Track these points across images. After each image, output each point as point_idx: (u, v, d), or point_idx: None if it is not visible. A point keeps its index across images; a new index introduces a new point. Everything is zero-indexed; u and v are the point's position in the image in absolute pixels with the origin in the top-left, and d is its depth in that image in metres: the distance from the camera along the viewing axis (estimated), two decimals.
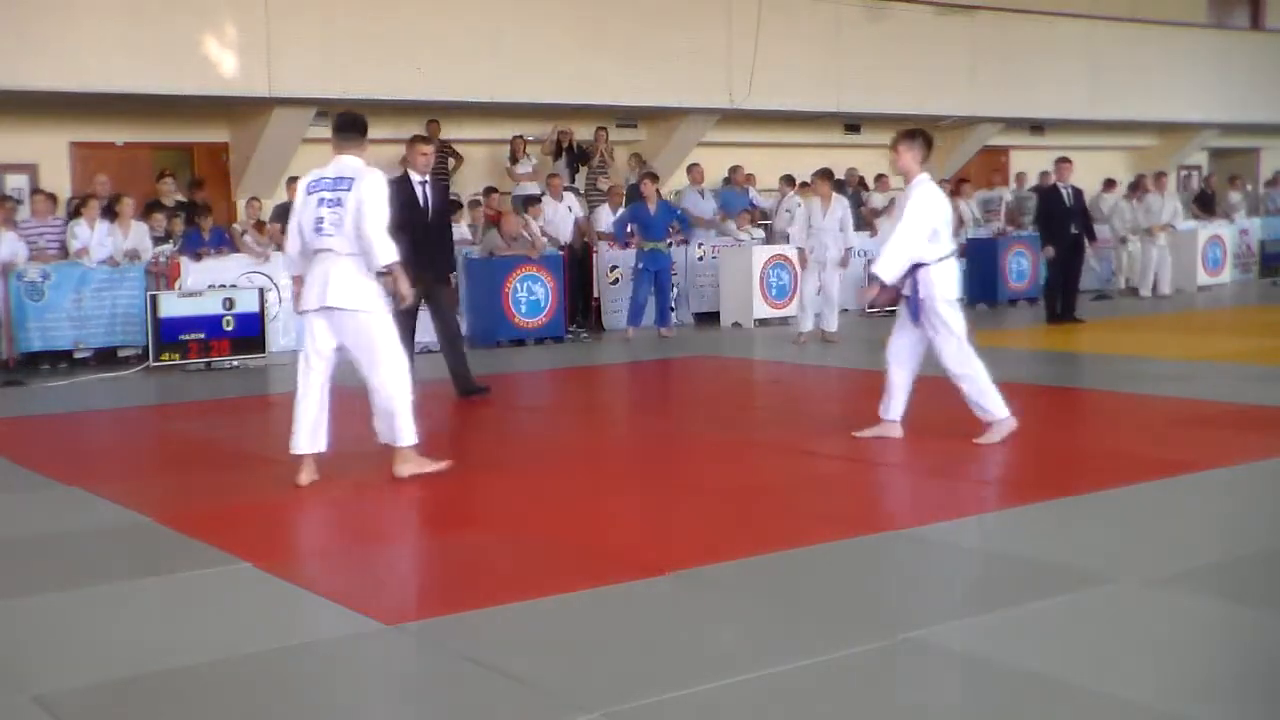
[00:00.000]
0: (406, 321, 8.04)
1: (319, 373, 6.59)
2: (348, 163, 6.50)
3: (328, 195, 6.43)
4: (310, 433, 6.58)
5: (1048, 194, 14.81)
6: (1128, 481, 6.30)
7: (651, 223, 14.06)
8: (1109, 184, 19.53)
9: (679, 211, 15.04)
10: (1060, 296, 14.56)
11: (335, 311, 6.46)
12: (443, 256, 9.47)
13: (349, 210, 6.35)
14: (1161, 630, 4.25)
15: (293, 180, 9.73)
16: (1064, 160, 14.65)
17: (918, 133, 7.41)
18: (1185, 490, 6.23)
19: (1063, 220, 14.37)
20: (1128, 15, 20.87)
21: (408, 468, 6.65)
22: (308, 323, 6.63)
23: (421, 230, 8.85)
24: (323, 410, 6.61)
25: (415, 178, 9.17)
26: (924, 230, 7.15)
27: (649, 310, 14.25)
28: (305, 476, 6.59)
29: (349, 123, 6.68)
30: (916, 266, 7.17)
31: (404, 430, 6.60)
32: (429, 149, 9.32)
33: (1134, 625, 4.30)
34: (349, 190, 6.37)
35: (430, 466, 6.73)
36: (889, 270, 7.16)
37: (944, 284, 7.23)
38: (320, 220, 6.43)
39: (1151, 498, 6.06)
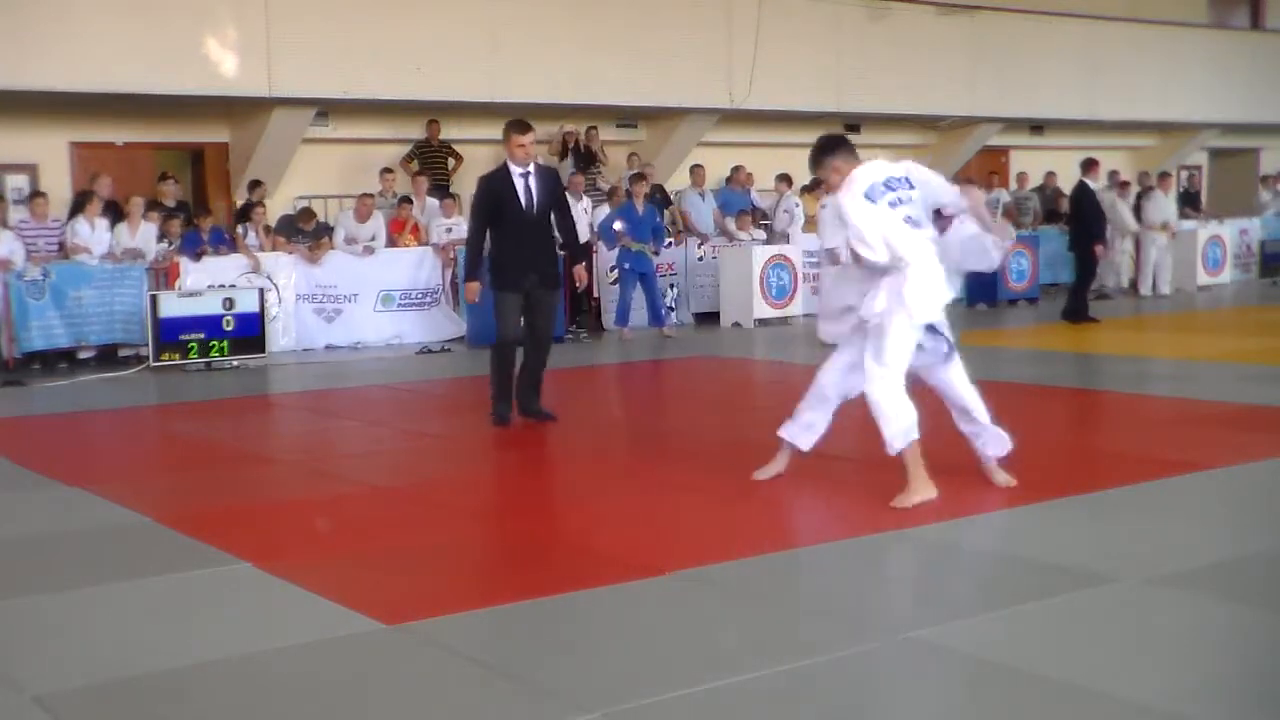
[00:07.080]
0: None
1: None
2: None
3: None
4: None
5: (1086, 192, 14.74)
6: (1128, 481, 6.30)
7: (638, 223, 14.17)
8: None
9: (659, 221, 15.00)
10: (1070, 296, 14.75)
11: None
12: (545, 256, 8.51)
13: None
14: (1162, 630, 4.26)
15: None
16: (1093, 160, 14.85)
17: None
18: (1185, 490, 6.23)
19: (1100, 218, 14.71)
20: (1127, 15, 20.83)
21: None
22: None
23: (522, 228, 8.32)
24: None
25: (515, 170, 8.39)
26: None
27: (641, 312, 14.25)
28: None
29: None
30: None
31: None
32: (525, 139, 8.39)
33: (1134, 625, 4.30)
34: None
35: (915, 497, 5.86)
36: None
37: None
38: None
39: (1151, 498, 6.05)
